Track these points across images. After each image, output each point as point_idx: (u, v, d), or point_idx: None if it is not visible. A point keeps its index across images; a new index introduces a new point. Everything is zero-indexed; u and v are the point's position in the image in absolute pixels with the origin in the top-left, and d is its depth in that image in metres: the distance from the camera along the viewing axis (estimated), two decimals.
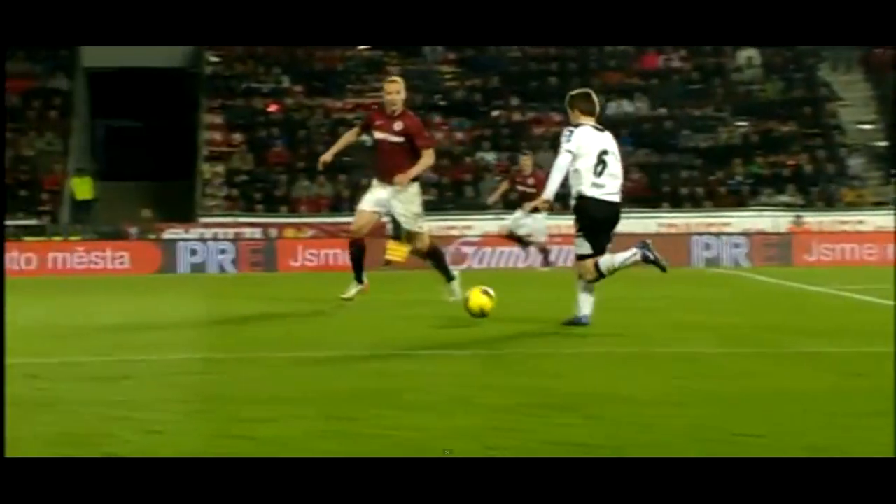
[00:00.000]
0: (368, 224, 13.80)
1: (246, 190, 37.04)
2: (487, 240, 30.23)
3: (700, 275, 23.94)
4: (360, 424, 6.04)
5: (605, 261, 11.49)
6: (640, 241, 11.67)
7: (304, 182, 36.00)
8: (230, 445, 5.49)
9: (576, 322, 11.39)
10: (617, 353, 9.39)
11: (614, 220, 11.68)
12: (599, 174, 11.62)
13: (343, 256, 27.39)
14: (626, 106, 40.20)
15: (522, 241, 25.89)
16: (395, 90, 14.05)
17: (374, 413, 6.38)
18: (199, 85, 40.12)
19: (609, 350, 9.62)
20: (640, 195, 37.27)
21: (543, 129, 39.67)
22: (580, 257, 11.59)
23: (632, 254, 11.41)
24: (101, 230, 35.69)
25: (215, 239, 33.68)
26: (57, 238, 34.25)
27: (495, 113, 39.77)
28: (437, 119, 39.07)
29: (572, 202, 11.71)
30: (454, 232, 31.66)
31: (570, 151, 11.65)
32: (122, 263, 32.63)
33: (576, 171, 11.61)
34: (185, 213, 36.60)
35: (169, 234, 34.56)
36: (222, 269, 32.16)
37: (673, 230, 34.03)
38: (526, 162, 26.00)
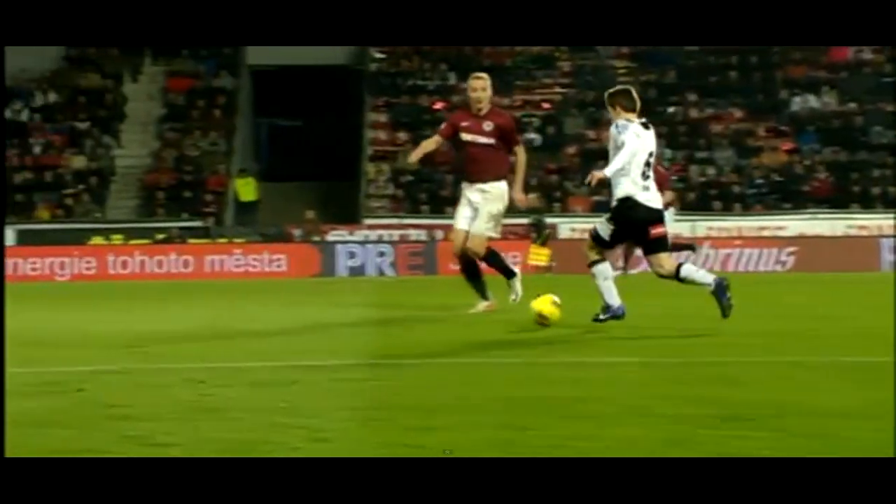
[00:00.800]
0: (466, 241, 13.78)
1: (411, 191, 37.33)
2: None
3: (887, 279, 23.37)
4: (531, 435, 6.05)
5: (689, 269, 11.64)
6: (722, 279, 11.62)
7: None
8: (398, 454, 5.54)
9: (614, 315, 11.53)
10: (805, 363, 9.23)
11: (651, 224, 11.62)
12: (646, 177, 11.65)
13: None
14: (813, 101, 39.48)
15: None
16: (480, 87, 13.58)
17: (547, 422, 6.38)
18: (364, 83, 40.56)
19: (798, 359, 9.46)
20: (826, 195, 36.55)
21: (723, 126, 39.18)
22: (595, 238, 11.64)
23: (709, 281, 11.49)
24: (265, 232, 36.33)
25: (374, 241, 33.99)
26: (222, 240, 34.93)
27: (671, 110, 39.39)
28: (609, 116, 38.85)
29: (615, 202, 11.66)
30: None
31: (634, 139, 11.55)
32: (279, 266, 33.18)
33: (624, 168, 11.51)
34: (349, 215, 37.05)
35: (332, 236, 34.99)
36: (381, 273, 32.45)
37: (863, 232, 33.33)
38: None
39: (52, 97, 41.57)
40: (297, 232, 35.82)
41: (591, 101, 39.26)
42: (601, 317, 11.61)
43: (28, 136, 40.43)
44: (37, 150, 39.94)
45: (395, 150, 38.57)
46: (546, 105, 39.77)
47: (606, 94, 12.26)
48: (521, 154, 13.69)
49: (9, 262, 33.52)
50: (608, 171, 11.45)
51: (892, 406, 7.04)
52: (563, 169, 37.54)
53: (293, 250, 33.99)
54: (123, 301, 19.50)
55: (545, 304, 11.91)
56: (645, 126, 11.88)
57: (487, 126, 13.53)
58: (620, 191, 11.60)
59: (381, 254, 33.29)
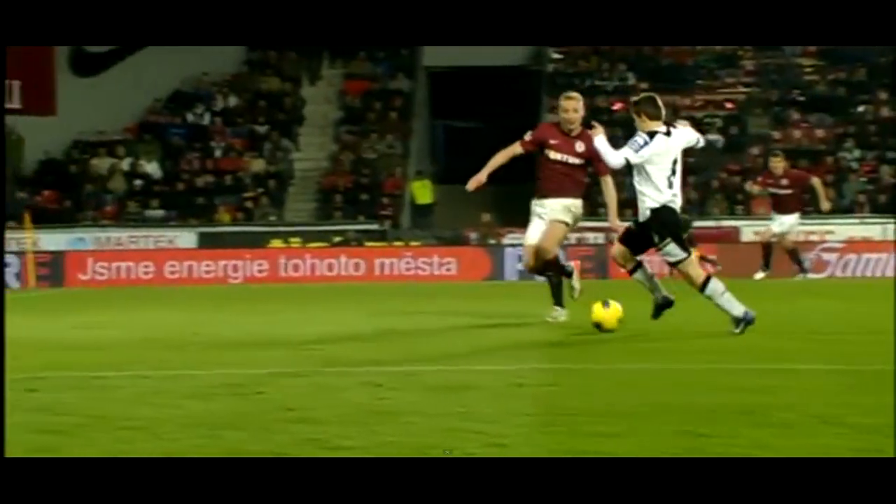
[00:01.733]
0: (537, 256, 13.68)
1: (589, 193, 37.21)
2: (852, 245, 29.35)
3: None
4: (713, 442, 5.96)
5: (714, 289, 11.88)
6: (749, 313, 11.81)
7: None
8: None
9: (746, 322, 11.65)
10: None
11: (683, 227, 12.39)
12: (671, 185, 12.05)
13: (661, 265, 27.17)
14: None
15: (798, 259, 24.88)
16: (572, 107, 13.62)
17: (729, 430, 6.28)
18: (541, 83, 40.54)
19: None
20: None
21: None
22: (675, 264, 12.09)
23: (736, 313, 11.74)
24: (441, 235, 36.53)
25: None
26: (398, 243, 35.24)
27: (861, 109, 38.55)
28: (795, 116, 38.18)
29: (647, 212, 12.06)
30: (814, 238, 30.86)
31: (639, 159, 11.91)
32: (449, 270, 33.34)
33: (647, 177, 11.97)
34: (526, 218, 37.05)
35: (509, 238, 35.04)
36: None
37: None
38: (777, 163, 24.68)
39: (233, 101, 42.40)
40: (473, 235, 35.94)
41: (776, 100, 38.63)
42: (736, 330, 11.68)
43: (209, 140, 41.30)
44: (217, 153, 40.78)
45: None
46: (729, 105, 39.25)
47: (632, 103, 12.52)
48: (609, 184, 13.75)
49: (184, 265, 34.33)
50: (614, 161, 12.01)
51: None
52: (746, 170, 37.00)
53: (463, 253, 34.13)
54: (296, 303, 19.79)
55: (599, 310, 12.31)
56: (667, 133, 12.07)
57: (580, 147, 13.59)
58: (650, 201, 12.03)
59: None
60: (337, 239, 35.71)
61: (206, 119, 42.22)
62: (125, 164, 40.63)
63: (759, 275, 24.74)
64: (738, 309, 11.77)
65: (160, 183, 40.11)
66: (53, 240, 36.31)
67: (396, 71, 42.45)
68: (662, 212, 11.99)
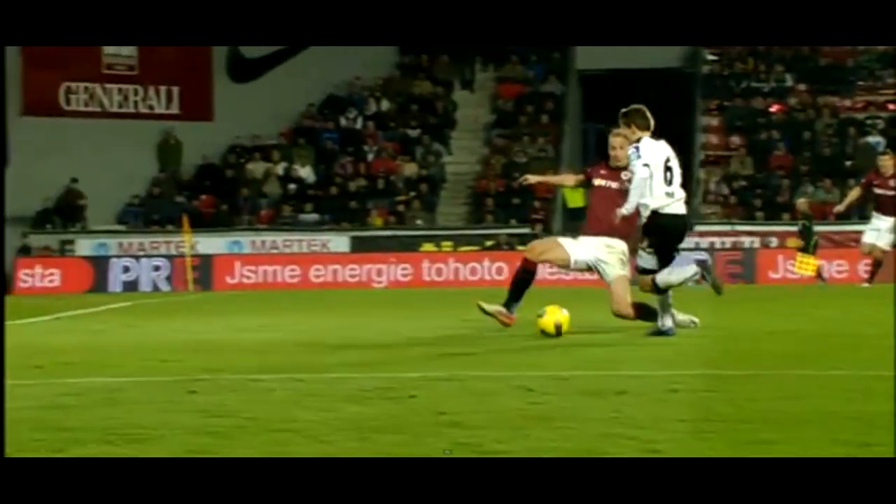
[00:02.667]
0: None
1: (745, 196, 36.72)
2: None
3: None
4: (875, 451, 5.85)
5: (661, 277, 12.31)
6: (700, 259, 12.61)
7: (808, 188, 35.21)
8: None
9: (664, 334, 12.21)
10: None
11: (685, 235, 12.83)
12: (669, 182, 12.43)
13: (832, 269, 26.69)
14: None
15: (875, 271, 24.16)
16: (618, 144, 13.32)
17: (889, 439, 6.16)
18: (696, 85, 40.16)
19: None
20: None
21: None
22: (643, 271, 12.49)
23: (692, 273, 12.37)
24: None
25: (688, 249, 33.62)
26: None
27: None
28: None
29: (645, 211, 12.41)
30: None
31: (647, 165, 12.33)
32: (587, 274, 33.33)
33: (643, 194, 12.35)
34: None
35: None
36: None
37: None
38: (888, 162, 23.65)
39: (385, 105, 42.74)
40: None
41: None
42: (648, 333, 12.35)
43: (362, 144, 41.67)
44: (370, 157, 41.13)
45: (728, 154, 38.02)
46: (892, 106, 38.46)
47: (621, 113, 13.01)
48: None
49: (329, 269, 34.72)
50: (626, 210, 12.43)
51: None
52: None
53: None
54: (441, 307, 19.82)
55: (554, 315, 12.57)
56: (656, 139, 12.61)
57: (625, 175, 13.30)
58: (646, 207, 12.41)
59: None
60: (489, 243, 35.77)
61: (359, 123, 42.61)
62: (280, 169, 41.19)
63: (864, 285, 24.34)
64: (667, 321, 12.39)
65: (314, 187, 40.59)
66: (212, 243, 36.97)
67: (548, 74, 42.40)
68: (661, 218, 12.44)
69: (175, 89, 41.32)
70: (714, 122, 39.27)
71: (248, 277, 35.58)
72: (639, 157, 12.39)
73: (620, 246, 13.14)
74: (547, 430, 6.46)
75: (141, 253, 37.06)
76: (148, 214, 40.00)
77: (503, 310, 13.15)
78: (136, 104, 40.69)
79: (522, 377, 8.85)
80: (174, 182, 41.01)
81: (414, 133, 41.40)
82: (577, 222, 40.52)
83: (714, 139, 38.88)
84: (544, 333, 12.49)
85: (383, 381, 8.78)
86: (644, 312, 13.02)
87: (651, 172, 12.32)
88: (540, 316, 12.66)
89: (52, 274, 36.36)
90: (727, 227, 35.06)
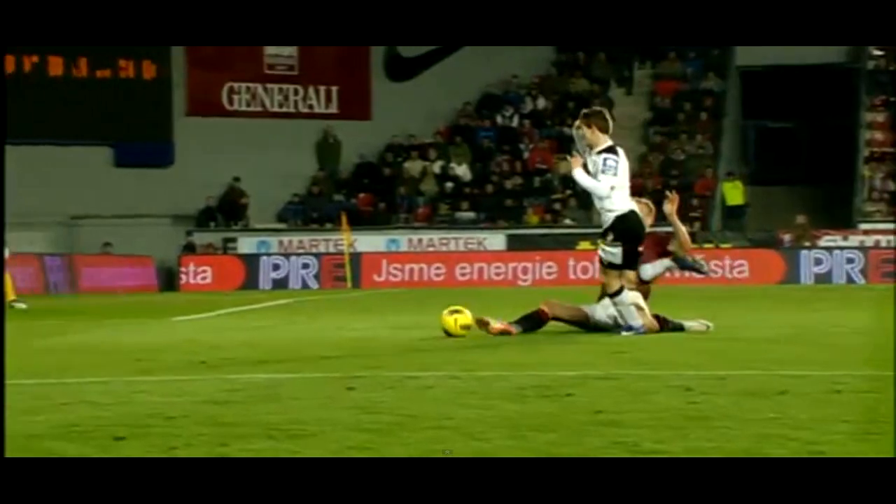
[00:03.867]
0: None
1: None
2: None
3: None
4: None
5: (623, 299, 12.67)
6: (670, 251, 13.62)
7: None
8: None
9: (636, 332, 12.52)
10: None
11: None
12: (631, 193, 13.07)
13: None
14: None
15: None
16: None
17: None
18: (860, 81, 39.41)
19: None
20: None
21: None
22: (610, 265, 12.74)
23: (667, 265, 13.63)
24: (753, 237, 35.93)
25: (842, 247, 32.97)
26: (708, 245, 34.88)
27: None
28: None
29: (611, 216, 12.80)
30: None
31: (612, 187, 12.76)
32: (741, 273, 32.83)
33: (616, 191, 12.79)
34: (842, 220, 36.06)
35: (825, 241, 34.23)
36: (850, 280, 31.49)
37: None
38: None
39: (542, 103, 42.70)
40: (786, 237, 35.23)
41: None
42: (623, 332, 12.57)
43: (518, 142, 41.69)
44: (526, 155, 41.13)
45: (894, 151, 37.25)
46: None
47: (582, 114, 13.36)
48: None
49: (474, 267, 34.82)
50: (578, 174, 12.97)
51: None
52: None
53: (754, 256, 33.53)
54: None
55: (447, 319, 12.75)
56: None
57: None
58: (619, 207, 12.74)
59: (850, 260, 32.22)
60: None
61: (515, 121, 42.64)
62: (436, 167, 41.43)
63: None
64: (636, 321, 12.60)
65: (470, 185, 40.74)
66: (369, 241, 37.35)
67: (707, 71, 41.97)
68: (630, 217, 12.83)
69: (334, 89, 41.81)
70: (879, 118, 38.51)
71: (395, 276, 35.83)
72: (615, 174, 12.77)
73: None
74: (706, 430, 6.40)
75: (300, 251, 37.58)
76: (307, 213, 40.54)
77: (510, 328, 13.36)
78: (296, 104, 41.26)
79: (680, 376, 8.77)
80: (333, 181, 41.52)
81: (570, 131, 41.33)
82: (735, 220, 40.15)
83: (879, 136, 38.12)
84: (448, 332, 12.78)
85: (539, 379, 8.78)
86: (662, 322, 13.26)
87: (615, 185, 12.78)
88: (457, 312, 12.92)
89: (204, 271, 37.07)
90: (891, 226, 34.33)
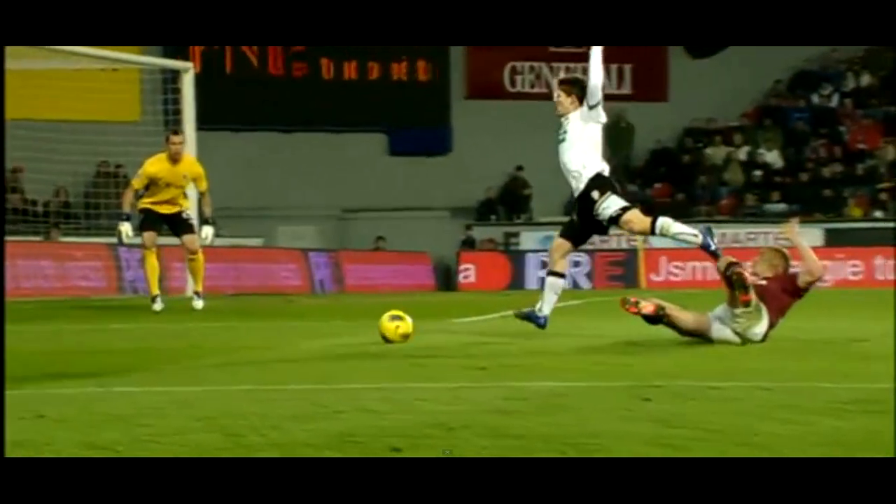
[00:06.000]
0: None
1: None
2: None
3: None
4: None
5: (665, 220, 13.24)
6: (705, 225, 13.43)
7: None
8: None
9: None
10: None
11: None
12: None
13: None
14: None
15: None
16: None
17: None
18: None
19: None
20: None
21: None
22: (616, 217, 13.31)
23: (693, 233, 13.23)
24: None
25: None
26: None
27: None
28: None
29: (589, 175, 13.68)
30: None
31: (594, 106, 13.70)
32: None
33: (589, 144, 13.76)
34: None
35: None
36: None
37: None
38: None
39: (866, 80, 41.74)
40: None
41: None
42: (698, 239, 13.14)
43: (837, 124, 40.85)
44: (847, 138, 40.28)
45: None
46: None
47: (559, 80, 14.35)
48: None
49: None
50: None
51: None
52: None
53: None
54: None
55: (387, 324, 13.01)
56: None
57: None
58: (590, 170, 13.70)
59: None
60: None
61: (835, 101, 41.82)
62: (742, 154, 40.96)
63: None
64: (695, 237, 13.13)
65: (781, 173, 40.13)
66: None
67: None
68: (602, 175, 13.61)
69: (627, 67, 41.77)
70: None
71: (675, 275, 35.56)
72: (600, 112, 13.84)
73: None
74: None
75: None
76: None
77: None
78: None
79: None
80: (625, 169, 41.44)
81: None
82: None
83: None
84: (386, 339, 12.96)
85: (862, 392, 8.60)
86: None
87: (595, 133, 13.70)
88: (398, 318, 13.06)
89: (467, 269, 37.46)
90: None
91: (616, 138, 41.54)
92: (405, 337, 13.10)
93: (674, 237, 13.51)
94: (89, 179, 34.13)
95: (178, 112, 28.47)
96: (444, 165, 41.30)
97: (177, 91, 28.74)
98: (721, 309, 12.37)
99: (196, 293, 21.25)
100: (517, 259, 37.66)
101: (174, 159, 20.54)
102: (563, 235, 14.26)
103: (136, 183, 20.79)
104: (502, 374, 10.16)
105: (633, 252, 35.88)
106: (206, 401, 8.36)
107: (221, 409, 7.79)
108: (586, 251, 36.70)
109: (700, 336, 12.42)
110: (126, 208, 20.94)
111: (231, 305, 24.46)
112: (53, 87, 30.44)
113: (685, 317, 12.45)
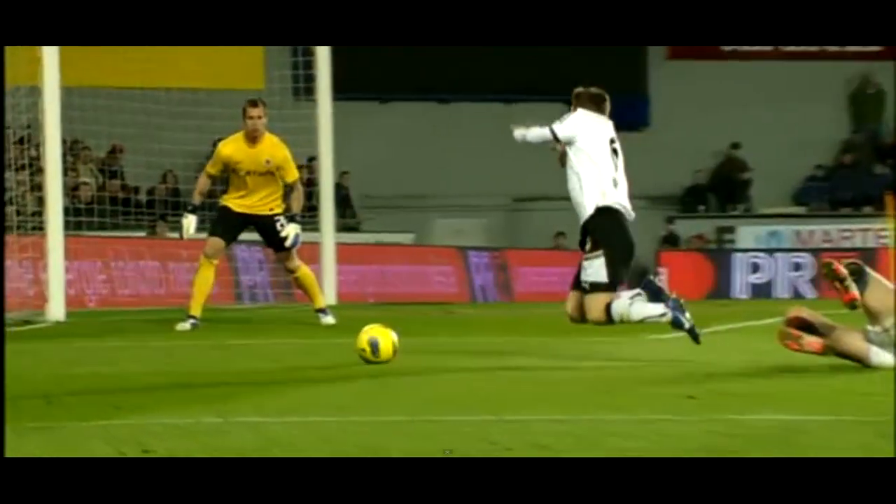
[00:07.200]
0: None
1: None
2: None
3: None
4: None
5: (620, 306, 13.10)
6: (672, 297, 13.13)
7: None
8: None
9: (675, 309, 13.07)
10: None
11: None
12: (616, 168, 13.68)
13: None
14: None
15: None
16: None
17: None
18: None
19: None
20: None
21: None
22: (594, 286, 13.19)
23: (660, 312, 13.05)
24: None
25: None
26: None
27: None
28: None
29: (587, 213, 13.54)
30: None
31: (560, 136, 14.15)
32: None
33: (586, 166, 13.86)
34: None
35: None
36: None
37: None
38: None
39: None
40: None
41: None
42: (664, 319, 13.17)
43: None
44: None
45: None
46: None
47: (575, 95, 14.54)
48: None
49: None
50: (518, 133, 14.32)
51: None
52: None
53: None
54: None
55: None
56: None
57: None
58: (586, 198, 13.66)
59: None
60: None
61: None
62: None
63: None
64: (656, 309, 13.08)
65: None
66: None
67: None
68: (611, 213, 13.47)
69: None
70: None
71: None
72: (560, 122, 14.28)
73: None
74: None
75: (827, 244, 37.15)
76: (835, 192, 40.18)
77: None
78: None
79: None
80: (873, 146, 40.98)
81: None
82: None
83: None
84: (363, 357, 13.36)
85: None
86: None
87: (577, 149, 14.02)
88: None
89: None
90: None
91: (860, 107, 41.09)
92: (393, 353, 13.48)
93: (640, 323, 13.55)
94: (201, 161, 34.62)
95: (310, 78, 28.54)
96: (641, 143, 41.11)
97: (309, 52, 28.81)
98: (872, 333, 12.24)
99: (319, 311, 20.54)
100: (721, 260, 37.42)
101: (252, 138, 19.44)
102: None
103: (211, 168, 19.96)
104: (717, 405, 10.14)
105: (870, 252, 35.55)
106: (349, 434, 8.45)
107: (366, 444, 7.87)
108: (809, 251, 36.35)
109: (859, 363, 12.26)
110: (196, 198, 20.25)
111: (374, 317, 24.65)
112: (150, 50, 29.70)
113: (849, 340, 12.29)
